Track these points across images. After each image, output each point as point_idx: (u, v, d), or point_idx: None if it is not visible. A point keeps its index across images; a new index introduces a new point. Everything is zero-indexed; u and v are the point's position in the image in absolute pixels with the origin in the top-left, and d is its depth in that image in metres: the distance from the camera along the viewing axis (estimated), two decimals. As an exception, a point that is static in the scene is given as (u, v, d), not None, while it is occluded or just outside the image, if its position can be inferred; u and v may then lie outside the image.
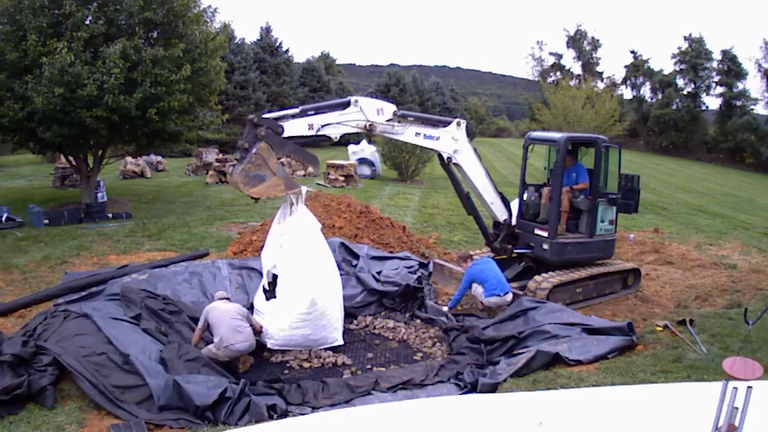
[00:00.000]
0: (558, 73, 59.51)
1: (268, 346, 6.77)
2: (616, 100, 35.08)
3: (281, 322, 6.68)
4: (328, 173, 20.68)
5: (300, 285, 6.66)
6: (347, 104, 7.08)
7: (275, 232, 7.11)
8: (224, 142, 27.11)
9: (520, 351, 6.38)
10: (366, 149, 24.48)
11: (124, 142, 15.89)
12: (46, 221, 12.50)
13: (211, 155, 22.64)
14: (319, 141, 7.33)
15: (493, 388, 5.57)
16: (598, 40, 60.44)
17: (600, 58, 63.75)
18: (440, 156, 7.89)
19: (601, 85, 45.53)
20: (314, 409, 5.41)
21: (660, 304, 8.48)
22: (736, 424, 2.65)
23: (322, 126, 6.88)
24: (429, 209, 16.47)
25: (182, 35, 13.67)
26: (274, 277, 6.93)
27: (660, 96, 53.72)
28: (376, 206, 13.75)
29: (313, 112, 6.91)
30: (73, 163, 14.99)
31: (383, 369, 6.55)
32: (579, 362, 5.98)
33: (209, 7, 14.94)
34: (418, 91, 55.30)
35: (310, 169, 7.43)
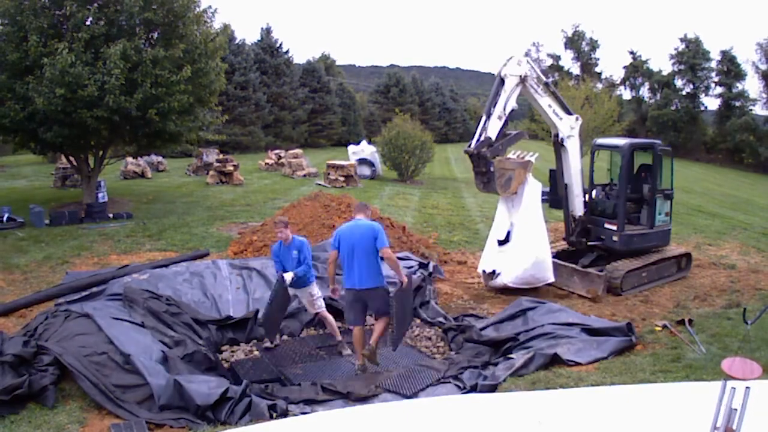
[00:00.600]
0: (556, 74, 59.44)
1: (508, 285, 8.63)
2: (615, 100, 34.99)
3: (517, 266, 8.57)
4: (329, 173, 20.70)
5: (530, 238, 8.56)
6: (501, 82, 8.31)
7: (503, 203, 8.97)
8: (224, 143, 27.10)
9: (520, 351, 6.40)
10: (366, 149, 24.47)
11: (125, 143, 15.92)
12: (47, 221, 12.53)
13: (212, 155, 22.67)
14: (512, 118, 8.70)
15: (492, 389, 5.57)
16: (596, 41, 60.34)
17: (599, 59, 63.41)
18: (556, 135, 9.13)
19: (599, 86, 45.45)
20: (314, 408, 5.42)
21: (659, 304, 8.51)
22: (734, 424, 2.67)
23: (504, 109, 8.28)
24: (429, 209, 16.50)
25: (182, 36, 13.70)
26: (508, 233, 8.79)
27: (658, 96, 53.72)
28: (376, 206, 13.76)
29: (492, 108, 8.25)
30: (74, 163, 15.02)
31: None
32: (578, 363, 5.99)
33: (209, 7, 15.00)
34: (418, 92, 55.29)
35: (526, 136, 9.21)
